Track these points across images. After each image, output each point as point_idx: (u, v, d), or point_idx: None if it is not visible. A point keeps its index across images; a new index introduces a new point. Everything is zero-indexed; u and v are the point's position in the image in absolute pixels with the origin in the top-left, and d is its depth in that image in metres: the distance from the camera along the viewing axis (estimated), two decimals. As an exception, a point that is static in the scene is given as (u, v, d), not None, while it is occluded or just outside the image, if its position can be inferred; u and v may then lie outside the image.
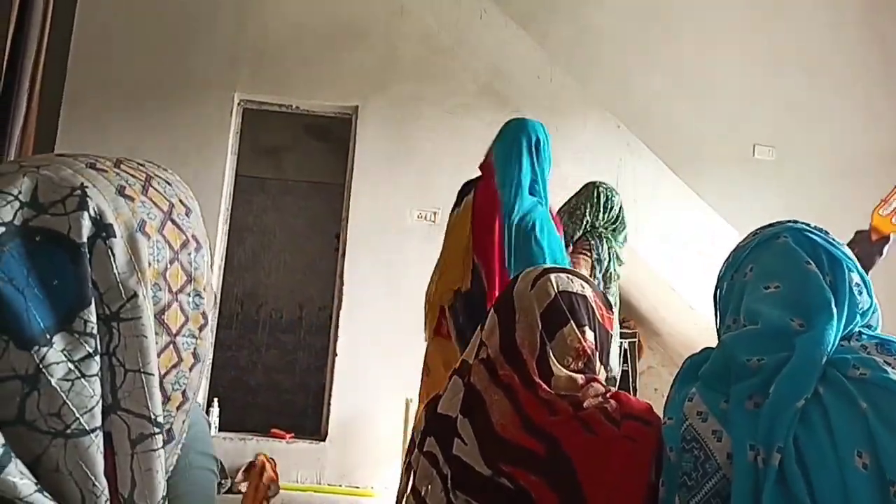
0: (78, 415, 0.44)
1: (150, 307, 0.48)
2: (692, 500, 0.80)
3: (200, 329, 0.54)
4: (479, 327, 1.14)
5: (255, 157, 4.40)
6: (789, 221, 0.99)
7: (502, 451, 0.96)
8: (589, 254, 2.69)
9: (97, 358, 0.45)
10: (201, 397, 3.87)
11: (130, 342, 0.47)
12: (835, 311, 0.86)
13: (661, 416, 0.99)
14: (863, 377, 0.80)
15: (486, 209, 2.13)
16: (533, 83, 4.23)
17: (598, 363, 1.07)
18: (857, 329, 0.89)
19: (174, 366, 0.51)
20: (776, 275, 0.92)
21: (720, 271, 1.04)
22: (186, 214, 0.54)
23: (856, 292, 0.90)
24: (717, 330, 1.01)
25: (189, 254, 0.53)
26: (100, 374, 0.45)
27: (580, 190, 2.79)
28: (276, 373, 4.64)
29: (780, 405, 0.79)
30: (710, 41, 5.00)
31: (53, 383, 0.43)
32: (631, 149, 4.24)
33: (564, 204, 2.77)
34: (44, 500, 0.42)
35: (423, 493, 1.03)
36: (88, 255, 0.45)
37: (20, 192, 0.45)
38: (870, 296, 0.92)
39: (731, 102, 4.93)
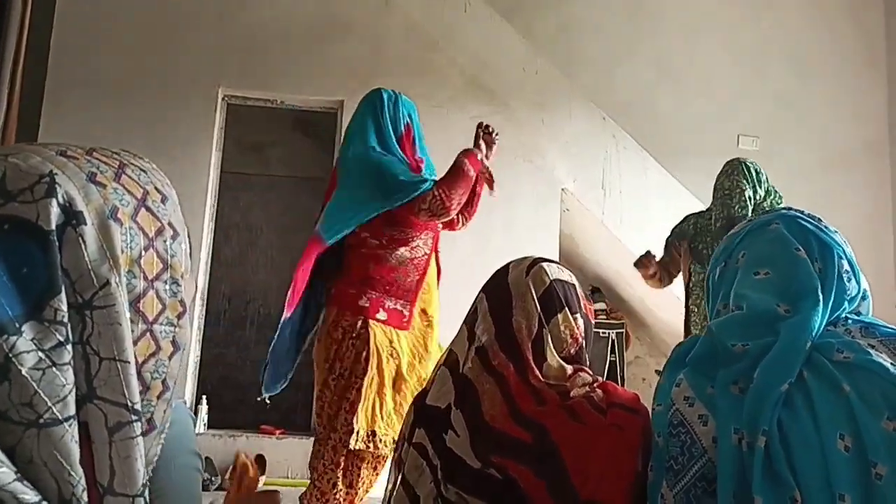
0: (50, 404, 0.43)
1: (124, 294, 0.48)
2: (679, 484, 0.81)
3: (179, 317, 0.53)
4: (467, 316, 1.15)
5: (240, 152, 4.37)
6: (784, 209, 1.01)
7: (492, 443, 0.97)
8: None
9: (69, 347, 0.44)
10: (189, 395, 3.85)
11: (104, 330, 0.46)
12: (821, 297, 0.87)
13: (647, 405, 1.01)
14: (846, 360, 0.81)
15: (331, 181, 2.28)
16: (518, 76, 4.23)
17: (584, 353, 1.09)
18: (844, 315, 0.90)
19: (152, 354, 0.50)
20: (766, 261, 0.93)
21: (713, 256, 1.05)
22: (162, 202, 0.53)
23: (844, 279, 0.91)
24: (708, 315, 1.02)
25: (165, 241, 0.52)
26: (72, 362, 0.45)
27: (726, 171, 2.64)
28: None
29: (764, 390, 0.80)
30: (695, 32, 5.02)
31: (24, 373, 0.42)
32: (616, 140, 4.26)
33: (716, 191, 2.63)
34: (23, 488, 0.41)
35: (412, 484, 1.03)
36: (58, 243, 0.45)
37: None
38: (858, 282, 0.93)
39: (716, 93, 4.96)
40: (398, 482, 1.06)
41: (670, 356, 0.98)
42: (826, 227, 0.96)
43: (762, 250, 0.96)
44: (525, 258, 1.16)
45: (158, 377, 0.51)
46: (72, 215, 0.46)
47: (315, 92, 4.18)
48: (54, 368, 0.44)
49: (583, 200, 4.19)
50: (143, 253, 0.50)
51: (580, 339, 1.09)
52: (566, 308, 1.08)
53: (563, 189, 4.18)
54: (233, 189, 4.28)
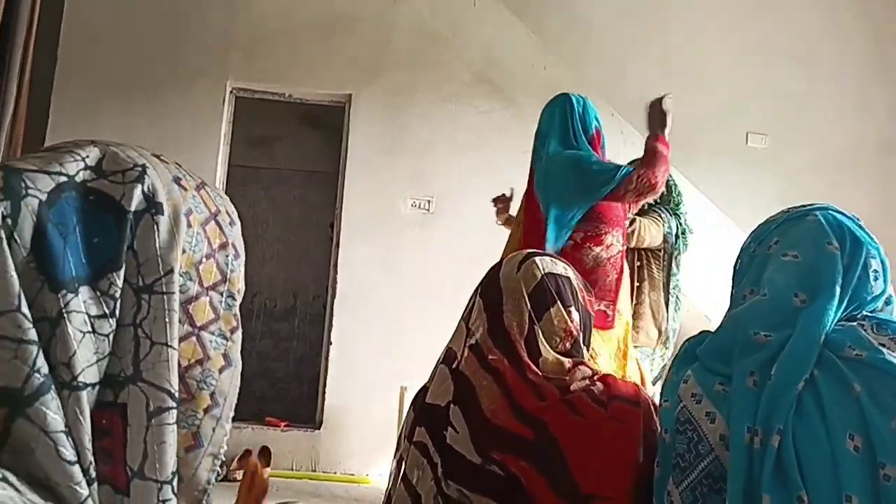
0: (82, 368, 0.44)
1: (176, 292, 0.50)
2: (685, 481, 0.81)
3: (232, 331, 0.54)
4: (463, 314, 1.15)
5: (247, 146, 4.38)
6: (821, 204, 1.00)
7: (493, 439, 0.97)
8: (660, 220, 2.85)
9: (111, 321, 0.46)
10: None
11: (159, 315, 0.48)
12: (837, 290, 0.86)
13: (652, 398, 1.00)
14: (858, 358, 0.80)
15: (529, 182, 2.38)
16: (527, 71, 4.22)
17: (582, 345, 1.08)
18: (861, 312, 0.89)
19: (198, 361, 0.51)
20: (798, 245, 0.92)
21: (743, 244, 1.03)
22: (230, 224, 0.56)
23: (871, 277, 0.89)
24: (731, 302, 1.00)
25: (227, 256, 0.55)
26: (113, 338, 0.46)
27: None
28: (271, 361, 4.64)
29: (781, 388, 0.79)
30: (703, 29, 4.99)
31: (69, 331, 0.44)
32: (625, 136, 4.24)
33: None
34: (64, 440, 0.42)
35: (413, 481, 1.03)
36: (134, 226, 0.47)
37: (87, 157, 0.49)
38: (885, 282, 0.91)
39: (725, 90, 4.93)
40: (399, 481, 1.06)
41: (679, 350, 0.97)
42: (862, 225, 0.95)
43: (796, 237, 0.94)
44: (518, 253, 1.15)
45: (206, 388, 0.51)
46: (152, 204, 0.49)
47: (323, 85, 4.18)
48: (93, 335, 0.45)
49: (590, 197, 4.17)
50: (203, 260, 0.52)
51: (574, 333, 1.07)
52: (558, 302, 1.06)
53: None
54: (240, 182, 4.29)
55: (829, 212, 0.96)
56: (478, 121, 4.18)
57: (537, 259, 1.11)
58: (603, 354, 2.14)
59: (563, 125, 2.26)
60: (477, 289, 1.13)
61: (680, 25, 5.00)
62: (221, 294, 0.54)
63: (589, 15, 4.91)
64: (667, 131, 2.24)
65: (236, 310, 0.55)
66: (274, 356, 4.67)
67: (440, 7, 4.26)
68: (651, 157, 2.18)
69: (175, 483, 0.48)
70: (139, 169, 0.50)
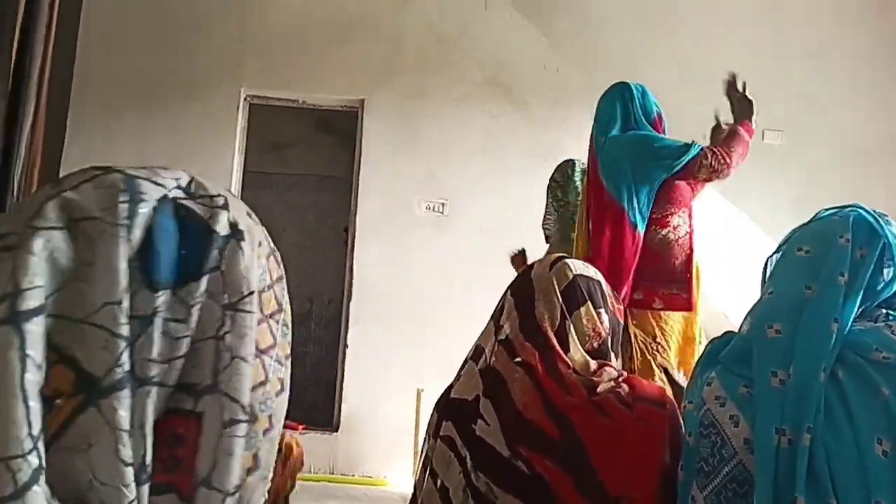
0: (161, 368, 0.46)
1: (256, 312, 0.53)
2: (709, 486, 0.81)
3: (286, 358, 0.57)
4: (493, 313, 1.16)
5: (261, 152, 4.41)
6: (853, 205, 0.98)
7: (522, 433, 0.98)
8: None
9: (184, 327, 0.48)
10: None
11: (241, 332, 0.50)
12: (841, 280, 0.85)
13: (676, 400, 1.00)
14: (886, 361, 0.79)
15: (592, 171, 2.31)
16: (538, 73, 4.22)
17: (610, 349, 1.10)
18: (882, 310, 0.88)
19: (261, 383, 0.52)
20: (811, 240, 0.93)
21: (775, 250, 1.03)
22: (279, 262, 0.60)
23: (884, 273, 0.88)
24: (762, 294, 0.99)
25: (282, 288, 0.58)
26: (184, 343, 0.48)
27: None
28: (288, 366, 4.66)
29: (804, 384, 0.79)
30: (716, 28, 4.97)
31: (157, 331, 0.47)
32: (637, 137, 4.23)
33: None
34: (126, 439, 0.44)
35: (441, 476, 1.04)
36: (222, 248, 0.51)
37: (179, 179, 0.53)
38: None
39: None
40: (426, 476, 1.08)
41: (703, 352, 0.98)
42: (888, 221, 0.93)
43: (814, 229, 0.95)
44: (548, 257, 1.18)
45: (265, 411, 0.53)
46: (236, 231, 0.52)
47: (336, 91, 4.21)
48: (166, 337, 0.47)
49: (603, 197, 4.17)
50: (265, 290, 0.55)
51: (603, 334, 1.09)
52: (589, 302, 1.09)
53: (583, 186, 4.16)
54: (254, 188, 4.32)
55: (857, 210, 0.95)
56: (489, 123, 4.18)
57: (569, 261, 1.14)
58: (673, 337, 2.09)
59: (624, 111, 2.23)
60: (506, 290, 1.15)
61: (692, 25, 4.98)
62: (278, 322, 0.57)
63: (600, 17, 4.90)
64: (753, 117, 2.18)
65: (289, 338, 0.59)
66: (291, 360, 4.69)
67: (450, 10, 4.27)
68: (732, 138, 2.13)
69: (237, 498, 0.49)
70: (223, 198, 0.54)
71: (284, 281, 0.59)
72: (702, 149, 2.07)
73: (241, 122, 4.18)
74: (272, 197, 4.44)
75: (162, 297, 0.47)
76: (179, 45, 4.13)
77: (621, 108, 2.24)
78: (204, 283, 0.49)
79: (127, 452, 0.43)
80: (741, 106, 2.18)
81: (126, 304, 0.45)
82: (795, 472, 0.75)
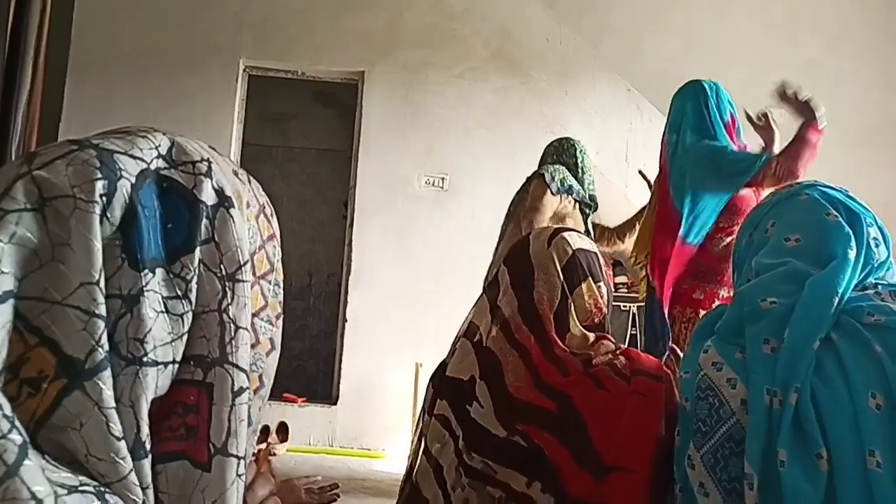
0: (155, 344, 0.46)
1: (250, 280, 0.53)
2: (706, 445, 0.82)
3: (277, 318, 0.57)
4: (485, 289, 1.15)
5: (260, 124, 4.38)
6: (808, 182, 1.01)
7: (516, 412, 0.98)
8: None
9: (184, 303, 0.48)
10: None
11: (241, 302, 0.50)
12: (851, 254, 0.87)
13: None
14: (877, 322, 0.81)
15: (663, 173, 2.33)
16: (542, 46, 4.16)
17: (608, 322, 1.09)
18: (872, 280, 0.90)
19: (252, 345, 0.53)
20: (798, 227, 0.94)
21: (738, 231, 1.06)
22: (272, 215, 0.59)
23: (873, 245, 0.91)
24: (735, 286, 1.03)
25: (274, 246, 0.58)
26: (185, 319, 0.48)
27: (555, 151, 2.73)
28: (287, 339, 4.67)
29: (796, 348, 0.80)
30: (724, 2, 4.89)
31: (144, 310, 0.45)
32: (641, 112, 4.19)
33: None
34: (115, 416, 0.43)
35: (434, 453, 1.04)
36: (212, 219, 0.50)
37: (159, 146, 0.51)
38: (887, 248, 0.93)
39: (745, 66, 4.83)
40: (420, 453, 1.08)
41: (697, 326, 0.99)
42: (853, 197, 0.97)
43: (793, 217, 0.96)
44: (545, 228, 1.16)
45: (256, 371, 0.54)
46: (223, 198, 0.51)
47: (336, 63, 4.16)
48: (166, 315, 0.47)
49: (606, 173, 4.13)
50: (256, 251, 0.55)
51: (604, 309, 1.09)
52: (590, 277, 1.08)
53: (585, 162, 4.12)
54: (253, 161, 4.29)
55: (818, 188, 0.98)
56: (492, 97, 4.14)
57: (566, 234, 1.13)
58: None
59: (698, 114, 2.23)
60: (502, 265, 1.14)
61: (698, -2, 4.89)
62: (270, 283, 0.57)
63: (605, -12, 4.82)
64: (819, 115, 2.19)
65: (281, 297, 0.58)
66: (290, 333, 4.71)
67: (453, -18, 4.20)
68: (799, 145, 2.13)
69: (248, 459, 0.51)
70: (206, 163, 0.52)
71: (277, 238, 0.58)
72: (768, 160, 2.10)
73: (239, 93, 4.14)
74: (271, 170, 4.41)
75: (150, 276, 0.46)
76: (178, 15, 4.07)
77: (694, 110, 2.24)
78: (197, 254, 0.49)
79: (117, 429, 0.43)
80: (802, 110, 2.17)
81: (103, 283, 0.44)
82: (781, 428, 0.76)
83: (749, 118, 2.32)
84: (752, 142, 2.36)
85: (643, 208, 2.70)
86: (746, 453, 0.78)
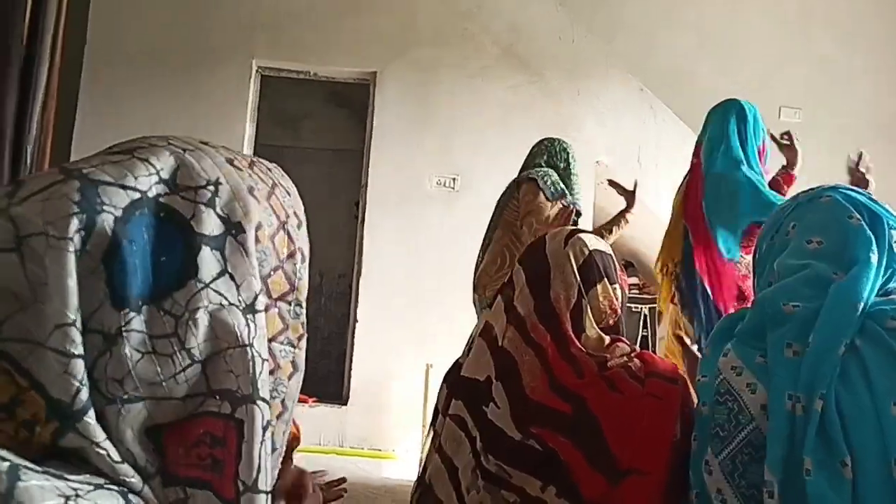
0: (137, 385, 0.44)
1: (263, 309, 0.51)
2: (725, 450, 0.81)
3: (299, 339, 0.55)
4: (500, 289, 1.14)
5: (273, 124, 4.39)
6: (830, 186, 1.00)
7: (532, 414, 0.98)
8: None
9: (173, 340, 0.46)
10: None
11: (261, 333, 0.49)
12: (873, 258, 0.86)
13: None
14: None
15: (695, 183, 2.37)
16: (554, 44, 4.15)
17: (622, 324, 1.09)
18: (894, 284, 0.89)
19: (271, 372, 0.51)
20: (819, 230, 0.93)
21: (759, 234, 1.05)
22: (297, 227, 0.56)
23: (895, 248, 0.90)
24: (755, 290, 1.02)
25: (294, 264, 0.55)
26: (174, 359, 0.46)
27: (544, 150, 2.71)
28: (298, 339, 4.70)
29: (822, 352, 0.79)
30: (736, 0, 4.85)
31: (126, 350, 0.44)
32: (654, 111, 4.16)
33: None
34: (112, 447, 0.43)
35: (450, 454, 1.04)
36: (222, 251, 0.48)
37: (162, 169, 0.48)
38: None
39: (757, 64, 4.80)
40: (434, 453, 1.07)
41: (715, 329, 0.98)
42: (874, 199, 0.96)
43: (815, 220, 0.95)
44: (561, 230, 1.16)
45: (278, 396, 0.52)
46: (231, 225, 0.49)
47: (348, 63, 4.17)
48: (153, 356, 0.45)
49: (617, 174, 4.11)
50: (272, 273, 0.52)
51: (619, 311, 1.09)
52: (605, 279, 1.08)
53: (596, 162, 4.10)
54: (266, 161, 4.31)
55: (840, 190, 0.97)
56: (504, 96, 4.13)
57: (583, 236, 1.13)
58: None
59: (737, 135, 2.28)
60: (518, 264, 1.14)
61: (712, -4, 4.86)
62: (290, 303, 0.54)
63: (618, -14, 4.80)
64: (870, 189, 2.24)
65: (303, 317, 0.56)
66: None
67: (465, -19, 4.20)
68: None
69: (274, 481, 0.50)
70: (212, 188, 0.49)
71: (302, 253, 0.56)
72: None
73: (252, 93, 4.15)
74: (283, 170, 4.43)
75: (132, 315, 0.44)
76: (192, 16, 4.09)
77: (734, 127, 2.29)
78: (192, 289, 0.46)
79: (118, 456, 0.43)
80: (858, 182, 2.25)
81: (80, 322, 0.42)
82: (805, 435, 0.76)
83: (773, 137, 2.37)
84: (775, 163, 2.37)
85: (623, 210, 2.72)
86: (767, 460, 0.76)
